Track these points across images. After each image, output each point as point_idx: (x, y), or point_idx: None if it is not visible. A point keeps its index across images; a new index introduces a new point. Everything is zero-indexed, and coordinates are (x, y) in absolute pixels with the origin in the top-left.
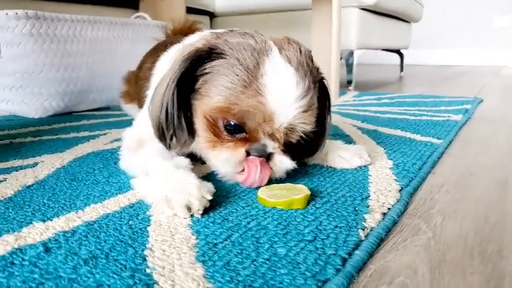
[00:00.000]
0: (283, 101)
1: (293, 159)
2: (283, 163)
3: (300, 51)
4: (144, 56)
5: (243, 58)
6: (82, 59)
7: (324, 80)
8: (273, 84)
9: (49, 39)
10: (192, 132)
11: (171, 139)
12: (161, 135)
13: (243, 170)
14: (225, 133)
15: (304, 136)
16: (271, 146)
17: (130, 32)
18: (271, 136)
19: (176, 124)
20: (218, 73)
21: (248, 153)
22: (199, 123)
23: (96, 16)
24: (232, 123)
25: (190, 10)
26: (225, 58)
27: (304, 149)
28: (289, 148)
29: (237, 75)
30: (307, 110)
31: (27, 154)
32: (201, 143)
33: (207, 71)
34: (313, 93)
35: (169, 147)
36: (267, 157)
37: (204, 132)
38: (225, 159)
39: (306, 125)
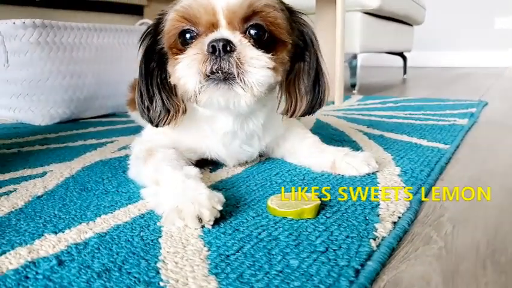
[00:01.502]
0: None
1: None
2: (252, 57)
3: None
4: None
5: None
6: (88, 67)
7: (300, 15)
8: None
9: (56, 47)
10: (173, 107)
11: (148, 111)
12: (142, 112)
13: (210, 77)
14: (185, 46)
15: (266, 16)
16: (228, 34)
17: (135, 38)
18: (226, 27)
19: (146, 95)
20: (167, 20)
21: (210, 50)
22: (170, 67)
23: (102, 24)
24: (184, 29)
25: None
26: (169, 11)
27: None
28: (259, 44)
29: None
30: None
31: (36, 163)
32: (173, 80)
33: (162, 30)
34: None
35: (150, 121)
36: (228, 46)
37: (171, 67)
38: (188, 63)
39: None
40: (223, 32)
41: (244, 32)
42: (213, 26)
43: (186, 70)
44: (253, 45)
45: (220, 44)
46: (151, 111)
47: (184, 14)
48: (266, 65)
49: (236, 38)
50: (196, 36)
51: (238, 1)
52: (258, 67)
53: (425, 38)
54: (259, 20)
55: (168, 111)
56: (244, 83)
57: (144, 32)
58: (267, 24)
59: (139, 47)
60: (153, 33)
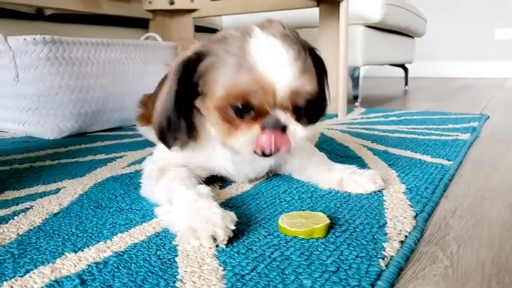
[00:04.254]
0: (278, 68)
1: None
2: (297, 132)
3: (283, 27)
4: (161, 80)
5: (229, 47)
6: (96, 81)
7: (316, 51)
8: (263, 57)
9: (65, 62)
10: (192, 135)
11: (174, 141)
12: (163, 138)
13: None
14: (236, 118)
15: (309, 97)
16: (283, 118)
17: (142, 53)
18: (280, 107)
19: (177, 127)
20: (212, 69)
21: (264, 129)
22: (212, 119)
23: (109, 39)
24: (239, 106)
25: (198, 29)
26: (213, 55)
27: (310, 115)
28: (297, 116)
29: (229, 62)
30: (304, 71)
31: (49, 179)
32: (218, 136)
33: (202, 71)
34: (306, 56)
35: (168, 146)
36: (282, 129)
37: (218, 125)
38: (243, 141)
39: (307, 85)
40: (279, 113)
41: (293, 110)
42: (269, 105)
43: (243, 141)
44: (297, 119)
45: (278, 127)
46: (173, 139)
47: (245, 98)
48: (304, 136)
49: (288, 118)
50: (249, 111)
51: (294, 85)
52: (298, 138)
53: (426, 49)
54: (306, 99)
55: (188, 138)
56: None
57: (180, 65)
58: (310, 102)
59: (173, 79)
60: (190, 68)
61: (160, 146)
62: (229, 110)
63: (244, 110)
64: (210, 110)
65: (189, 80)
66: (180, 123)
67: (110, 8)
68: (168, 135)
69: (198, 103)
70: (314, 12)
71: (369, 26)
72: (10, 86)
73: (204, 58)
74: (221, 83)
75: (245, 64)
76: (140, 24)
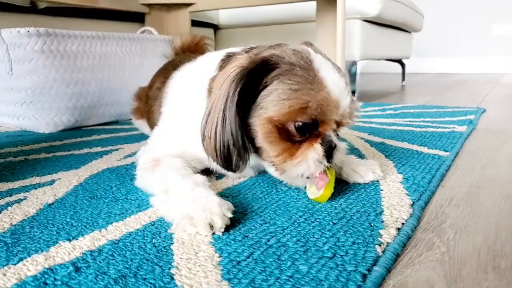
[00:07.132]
0: (341, 89)
1: None
2: (343, 147)
3: (321, 53)
4: (154, 75)
5: (296, 61)
6: (91, 74)
7: None
8: (328, 77)
9: (60, 55)
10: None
11: (237, 161)
12: (226, 159)
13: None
14: (298, 135)
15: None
16: (333, 135)
17: (138, 46)
18: (335, 126)
19: (241, 145)
20: (279, 81)
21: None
22: (264, 137)
23: (105, 32)
24: (305, 122)
25: (195, 23)
26: (280, 67)
27: None
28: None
29: (299, 76)
30: (351, 95)
31: (44, 171)
32: (270, 158)
33: (269, 82)
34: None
35: (235, 170)
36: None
37: (273, 144)
38: (314, 160)
39: (355, 109)
40: (331, 133)
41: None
42: (335, 124)
43: (314, 160)
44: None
45: (333, 146)
46: (239, 159)
47: (315, 113)
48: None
49: (335, 137)
50: (312, 129)
51: (351, 106)
52: (344, 152)
53: (423, 44)
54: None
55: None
56: None
57: (243, 73)
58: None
59: (233, 92)
60: (252, 78)
61: (154, 138)
62: (290, 126)
63: (309, 127)
64: (266, 124)
65: (246, 90)
66: (244, 140)
67: (106, 1)
68: (234, 156)
69: (251, 117)
70: (311, 6)
71: (366, 21)
72: (4, 79)
73: (274, 68)
74: (292, 95)
75: (316, 80)
76: (136, 18)
